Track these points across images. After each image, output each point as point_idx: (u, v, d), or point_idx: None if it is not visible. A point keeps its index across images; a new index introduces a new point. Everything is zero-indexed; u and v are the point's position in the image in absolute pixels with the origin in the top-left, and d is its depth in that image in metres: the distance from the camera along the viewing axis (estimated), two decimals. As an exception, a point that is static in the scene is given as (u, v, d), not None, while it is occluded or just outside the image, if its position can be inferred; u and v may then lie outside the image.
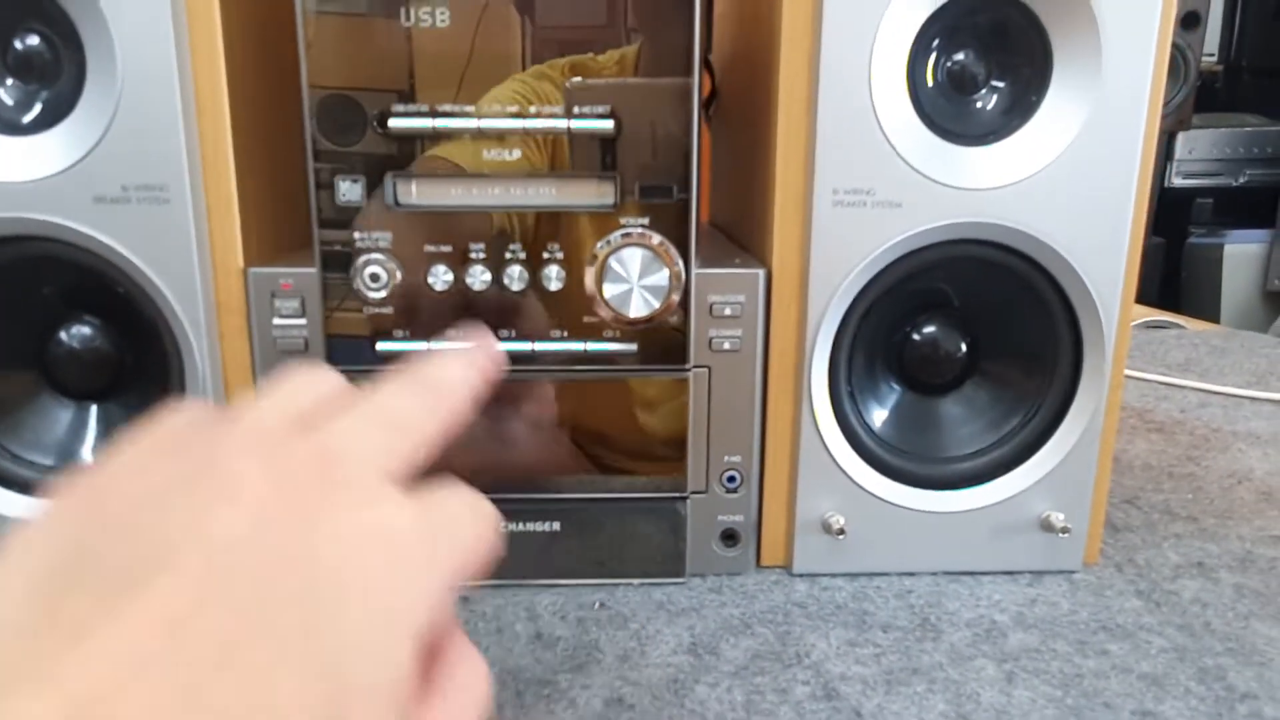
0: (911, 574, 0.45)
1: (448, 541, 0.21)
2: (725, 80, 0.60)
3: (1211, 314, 1.82)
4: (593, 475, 0.44)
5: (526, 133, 0.39)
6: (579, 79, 0.39)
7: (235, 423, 0.21)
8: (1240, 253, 1.82)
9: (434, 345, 0.41)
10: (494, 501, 0.37)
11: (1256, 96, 2.04)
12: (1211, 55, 2.13)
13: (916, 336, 0.45)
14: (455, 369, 0.27)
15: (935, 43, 0.41)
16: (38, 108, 0.40)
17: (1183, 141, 1.85)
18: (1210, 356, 0.87)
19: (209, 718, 0.16)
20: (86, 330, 0.43)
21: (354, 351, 0.41)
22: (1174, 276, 1.88)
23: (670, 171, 0.40)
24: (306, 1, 0.38)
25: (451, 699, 0.21)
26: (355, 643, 0.18)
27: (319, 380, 0.23)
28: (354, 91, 0.39)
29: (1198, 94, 1.84)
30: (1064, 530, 0.44)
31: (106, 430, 0.44)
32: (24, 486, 0.43)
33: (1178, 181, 1.86)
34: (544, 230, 0.40)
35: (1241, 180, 1.87)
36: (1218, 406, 0.72)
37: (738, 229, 0.56)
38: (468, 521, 0.22)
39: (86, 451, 0.44)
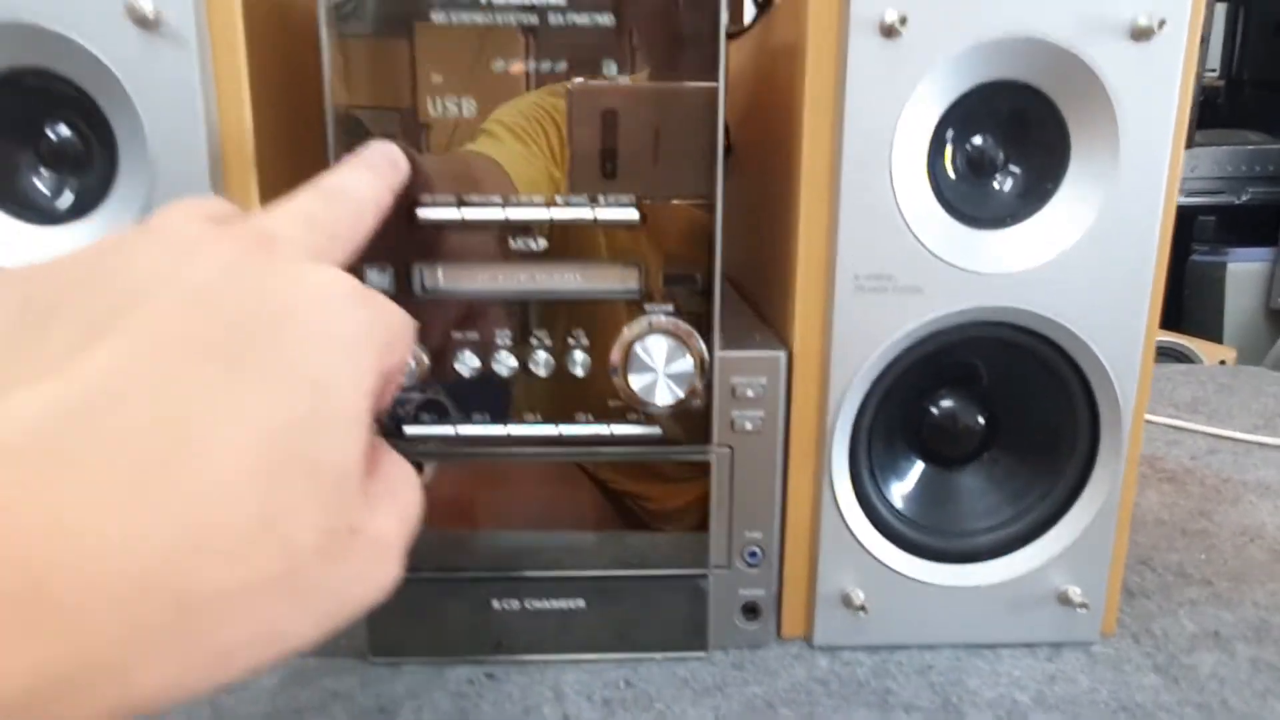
0: (931, 647, 0.46)
1: (383, 316, 0.23)
2: (739, 136, 0.61)
3: (1214, 332, 1.83)
4: (618, 541, 0.44)
5: (553, 222, 0.40)
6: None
7: (162, 221, 0.22)
8: (1243, 271, 1.83)
9: (460, 430, 0.42)
10: (520, 580, 0.38)
11: (1259, 110, 2.05)
12: (1213, 70, 2.14)
13: (935, 411, 0.46)
14: (362, 179, 0.29)
15: (955, 129, 0.41)
16: (71, 198, 0.40)
17: (1185, 159, 1.85)
18: (1218, 395, 0.88)
19: (196, 427, 0.17)
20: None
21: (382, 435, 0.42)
22: (1177, 294, 1.89)
23: (694, 260, 0.40)
24: (336, 94, 0.38)
25: (392, 487, 0.23)
26: (325, 367, 0.20)
27: (213, 200, 0.24)
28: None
29: (1200, 108, 1.85)
30: (1082, 606, 0.44)
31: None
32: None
33: (1180, 199, 1.87)
34: (568, 315, 0.41)
35: (1244, 198, 1.87)
36: (1228, 453, 0.73)
37: (749, 288, 0.56)
38: (393, 309, 0.24)
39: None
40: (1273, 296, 1.81)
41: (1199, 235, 1.89)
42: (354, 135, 0.38)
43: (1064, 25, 0.38)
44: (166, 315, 0.18)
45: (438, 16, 0.37)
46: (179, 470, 0.17)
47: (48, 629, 0.15)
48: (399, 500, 0.23)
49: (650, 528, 0.44)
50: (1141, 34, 0.38)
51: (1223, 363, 1.70)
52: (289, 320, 0.19)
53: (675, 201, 0.40)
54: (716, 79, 0.38)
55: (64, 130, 0.40)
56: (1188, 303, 1.88)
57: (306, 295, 0.20)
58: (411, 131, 0.38)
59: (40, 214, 0.40)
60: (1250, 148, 1.89)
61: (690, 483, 0.44)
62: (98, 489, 0.16)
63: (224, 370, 0.18)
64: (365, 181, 0.29)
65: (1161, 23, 0.38)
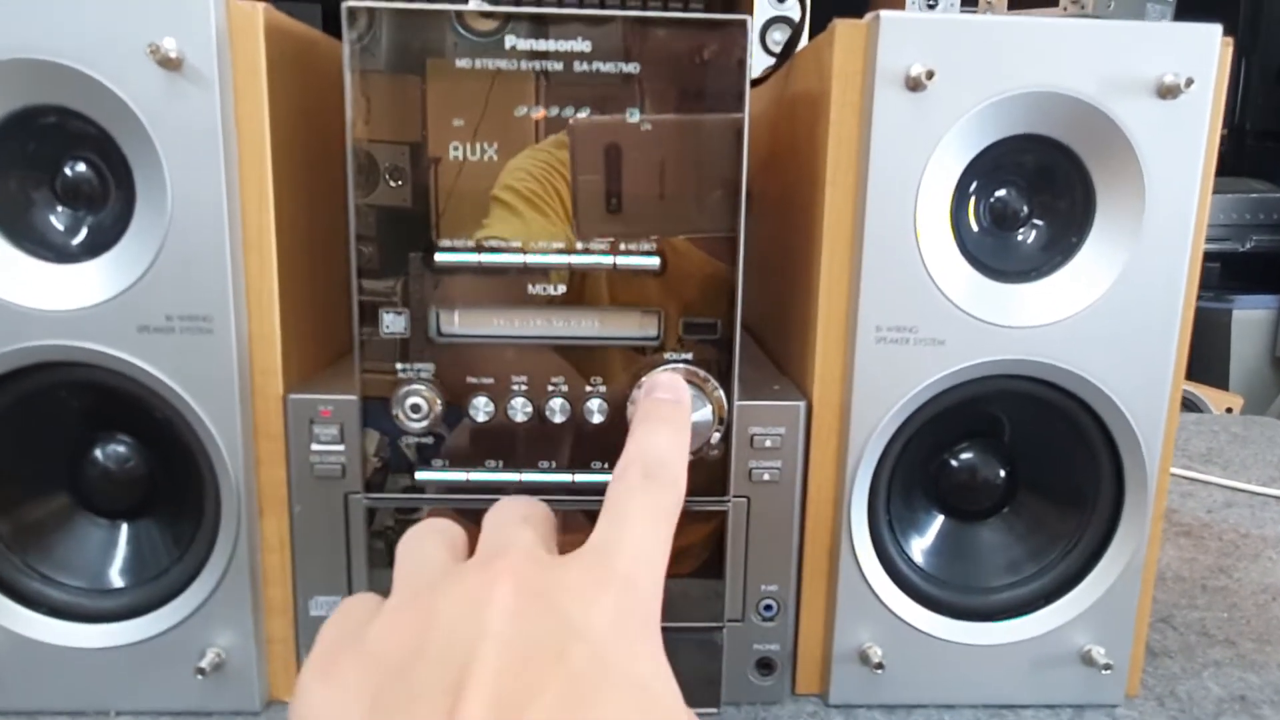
0: (950, 707, 0.45)
1: (643, 594, 0.27)
2: (755, 181, 0.60)
3: (1220, 379, 1.82)
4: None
5: (572, 267, 0.39)
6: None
7: (438, 572, 0.26)
8: (1248, 318, 1.83)
9: (472, 476, 0.41)
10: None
11: (1261, 159, 2.06)
12: (1216, 119, 2.16)
13: (955, 464, 0.45)
14: (663, 440, 0.33)
15: (979, 182, 0.41)
16: (87, 235, 0.40)
17: (1189, 206, 1.86)
18: (1232, 446, 0.87)
19: None
20: (121, 450, 0.43)
21: (392, 478, 0.41)
22: (1182, 340, 1.89)
23: (714, 307, 0.40)
24: (357, 130, 0.38)
25: None
26: (642, 677, 0.23)
27: (450, 526, 0.30)
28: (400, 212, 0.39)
29: (1203, 157, 1.86)
30: (1106, 667, 0.43)
31: (136, 549, 0.44)
32: (54, 609, 0.42)
33: (1185, 245, 1.87)
34: (586, 362, 0.40)
35: (1249, 246, 1.88)
36: (1244, 506, 0.72)
37: (767, 337, 0.56)
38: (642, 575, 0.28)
39: (114, 572, 0.43)
40: (1278, 343, 1.81)
41: (1204, 282, 1.88)
42: (373, 172, 0.38)
43: (1090, 82, 0.38)
44: (496, 672, 0.21)
45: (461, 62, 0.37)
46: None
47: None
48: None
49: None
50: (1168, 92, 0.38)
51: (1229, 410, 1.69)
52: (582, 642, 0.22)
53: (693, 240, 0.39)
54: (742, 116, 0.38)
55: (81, 168, 0.40)
56: (1193, 349, 1.87)
57: (576, 610, 0.24)
58: (431, 167, 0.38)
59: (55, 252, 0.40)
60: (1255, 196, 1.90)
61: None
62: None
63: (569, 708, 0.21)
64: (671, 445, 0.32)
65: (1189, 81, 0.38)
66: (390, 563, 0.42)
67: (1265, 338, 1.82)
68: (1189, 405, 1.68)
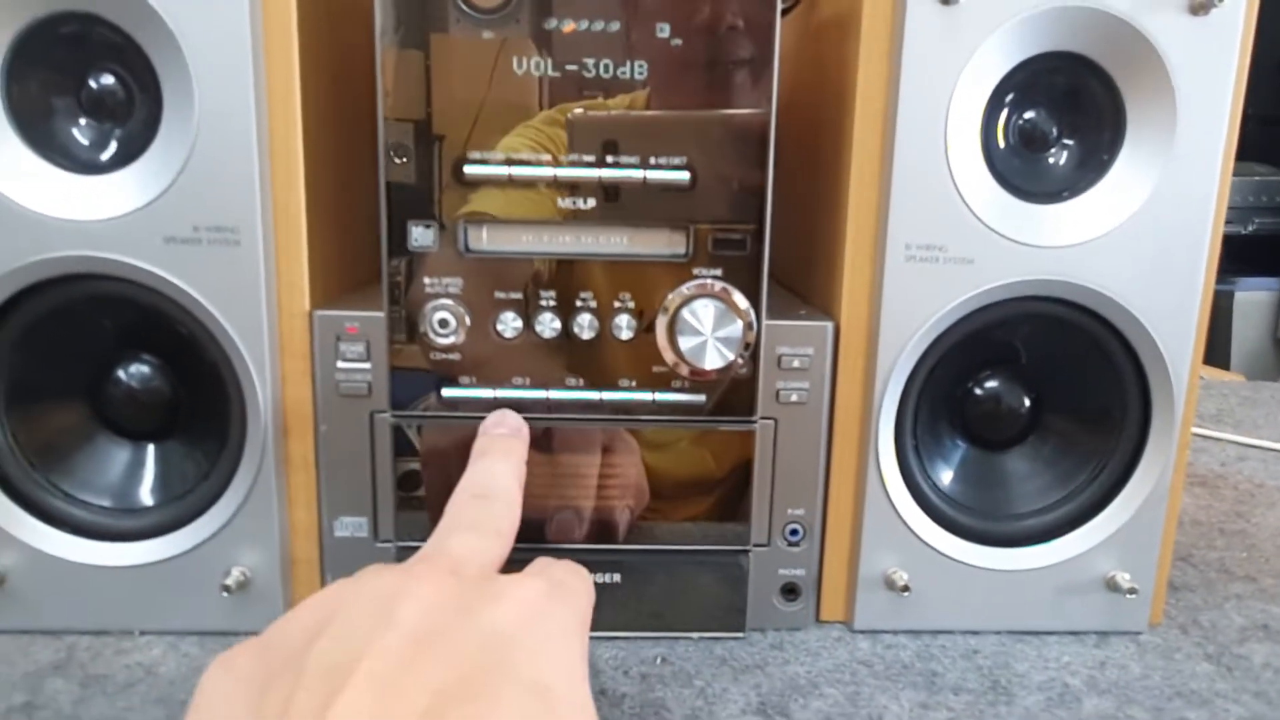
0: (975, 632, 0.45)
1: (572, 598, 0.26)
2: (781, 120, 0.60)
3: (1222, 360, 1.83)
4: (654, 526, 0.43)
5: (602, 181, 0.39)
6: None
7: (358, 579, 0.25)
8: (1250, 300, 1.83)
9: (499, 393, 0.41)
10: (555, 552, 0.38)
11: (1264, 144, 2.06)
12: (1219, 104, 2.16)
13: (982, 391, 0.45)
14: (502, 469, 0.32)
15: (1009, 100, 0.41)
16: (112, 146, 0.40)
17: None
18: (1242, 408, 0.87)
19: None
20: (146, 369, 0.43)
21: (419, 396, 0.41)
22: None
23: (744, 222, 0.40)
24: (385, 39, 0.38)
25: None
26: (547, 671, 0.22)
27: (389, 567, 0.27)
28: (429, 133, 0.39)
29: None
30: (1131, 591, 0.43)
31: (163, 471, 0.43)
32: (78, 528, 0.42)
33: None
34: (614, 278, 0.40)
35: (1251, 228, 1.88)
36: (1257, 461, 0.72)
37: (791, 273, 0.55)
38: (573, 581, 0.27)
39: (144, 492, 0.43)
40: (1279, 325, 1.82)
41: (1206, 264, 1.90)
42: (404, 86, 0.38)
43: (1123, -5, 0.38)
44: (392, 660, 0.20)
45: (488, 34, 0.37)
46: None
47: None
48: None
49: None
50: (1200, 8, 0.38)
51: (1232, 390, 1.69)
52: (503, 642, 0.22)
53: (725, 154, 0.39)
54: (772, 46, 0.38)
55: (107, 77, 0.39)
56: (1196, 330, 1.88)
57: (510, 614, 0.23)
58: (459, 81, 0.38)
59: (81, 162, 0.39)
60: (1257, 179, 1.90)
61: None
62: None
63: (461, 702, 0.20)
64: (505, 471, 0.32)
65: (1222, -7, 0.37)
66: (418, 484, 0.42)
67: (1267, 319, 1.83)
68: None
